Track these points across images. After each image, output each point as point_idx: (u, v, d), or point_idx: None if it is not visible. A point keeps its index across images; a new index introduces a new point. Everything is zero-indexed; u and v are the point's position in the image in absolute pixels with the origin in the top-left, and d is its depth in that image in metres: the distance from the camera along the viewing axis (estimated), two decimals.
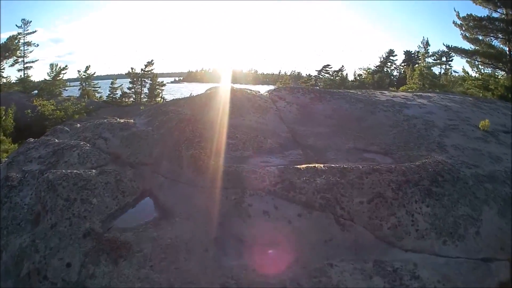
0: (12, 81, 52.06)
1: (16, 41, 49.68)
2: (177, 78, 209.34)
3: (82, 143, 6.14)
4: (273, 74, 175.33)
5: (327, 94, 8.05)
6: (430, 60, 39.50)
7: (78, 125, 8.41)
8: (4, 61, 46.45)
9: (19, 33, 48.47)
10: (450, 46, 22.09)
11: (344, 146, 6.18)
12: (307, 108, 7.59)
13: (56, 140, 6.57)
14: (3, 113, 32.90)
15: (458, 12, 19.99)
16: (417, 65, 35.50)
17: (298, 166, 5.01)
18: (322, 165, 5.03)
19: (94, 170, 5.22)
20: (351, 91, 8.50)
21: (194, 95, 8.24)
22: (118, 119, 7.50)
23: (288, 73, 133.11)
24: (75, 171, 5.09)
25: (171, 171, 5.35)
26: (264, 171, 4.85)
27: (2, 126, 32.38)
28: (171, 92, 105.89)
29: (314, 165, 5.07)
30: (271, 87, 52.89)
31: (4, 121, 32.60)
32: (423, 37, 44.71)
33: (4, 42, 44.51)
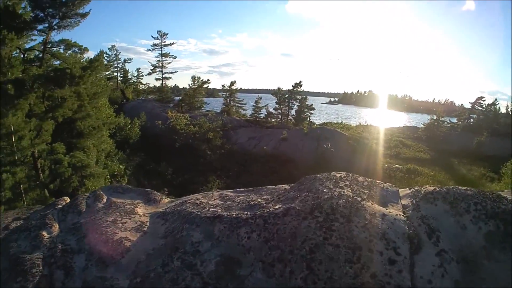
0: (150, 86, 57.19)
1: (110, 56, 55.58)
2: (332, 99, 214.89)
3: None
4: (427, 101, 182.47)
5: None
6: None
7: (102, 203, 5.78)
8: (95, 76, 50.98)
9: (155, 44, 52.96)
10: None
11: None
12: None
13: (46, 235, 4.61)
14: (129, 122, 34.88)
15: None
16: None
17: None
18: None
19: None
20: None
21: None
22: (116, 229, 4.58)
23: (442, 102, 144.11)
24: None
25: None
26: None
27: (127, 134, 34.33)
28: (325, 113, 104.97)
29: None
30: (425, 116, 48.66)
31: (129, 129, 34.38)
32: None
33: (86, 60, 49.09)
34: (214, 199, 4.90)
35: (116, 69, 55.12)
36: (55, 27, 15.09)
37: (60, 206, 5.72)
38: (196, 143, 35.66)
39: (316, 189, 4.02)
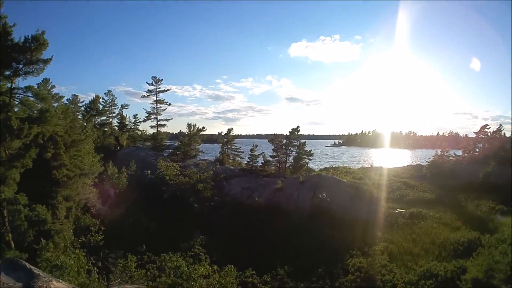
0: (147, 134, 57.06)
1: (105, 102, 56.58)
2: (337, 141, 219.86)
3: None
4: (432, 135, 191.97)
5: None
6: None
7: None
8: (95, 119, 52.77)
9: (149, 90, 53.26)
10: None
11: None
12: None
13: None
14: (116, 171, 34.26)
15: None
16: None
17: None
18: None
19: None
20: None
21: None
22: None
23: (446, 135, 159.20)
24: None
25: None
26: None
27: (114, 184, 33.60)
28: (328, 157, 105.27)
29: None
30: (430, 151, 49.56)
31: (116, 179, 33.69)
32: None
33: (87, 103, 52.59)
34: None
35: (112, 114, 55.12)
36: (20, 72, 14.90)
37: None
38: (185, 194, 34.83)
39: None
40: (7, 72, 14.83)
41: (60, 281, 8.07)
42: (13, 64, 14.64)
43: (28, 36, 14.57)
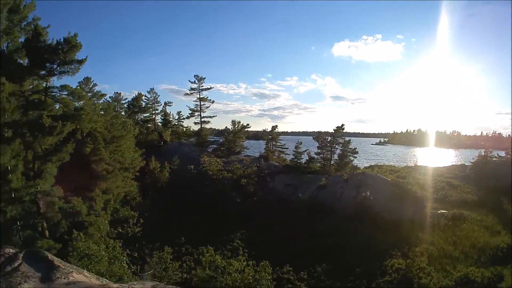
0: (190, 130, 58.15)
1: (148, 99, 58.03)
2: (382, 139, 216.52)
3: None
4: (475, 135, 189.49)
5: None
6: None
7: (12, 266, 6.94)
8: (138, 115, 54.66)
9: (192, 89, 54.13)
10: None
11: None
12: None
13: None
14: (158, 165, 35.35)
15: None
16: None
17: None
18: None
19: None
20: None
21: None
22: None
23: (490, 135, 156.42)
24: None
25: None
26: None
27: (156, 178, 34.71)
28: (374, 155, 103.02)
29: None
30: (474, 152, 46.95)
31: (159, 173, 34.79)
32: None
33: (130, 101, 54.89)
34: None
35: (155, 111, 56.87)
36: (55, 72, 15.60)
37: None
38: (227, 189, 35.28)
39: None
40: (42, 72, 15.61)
41: (84, 271, 8.37)
42: (47, 64, 15.36)
43: (60, 39, 15.22)
